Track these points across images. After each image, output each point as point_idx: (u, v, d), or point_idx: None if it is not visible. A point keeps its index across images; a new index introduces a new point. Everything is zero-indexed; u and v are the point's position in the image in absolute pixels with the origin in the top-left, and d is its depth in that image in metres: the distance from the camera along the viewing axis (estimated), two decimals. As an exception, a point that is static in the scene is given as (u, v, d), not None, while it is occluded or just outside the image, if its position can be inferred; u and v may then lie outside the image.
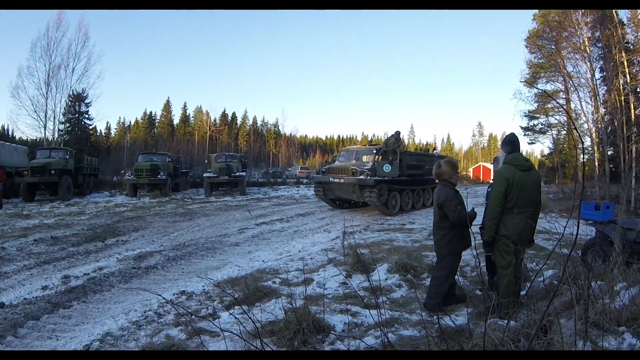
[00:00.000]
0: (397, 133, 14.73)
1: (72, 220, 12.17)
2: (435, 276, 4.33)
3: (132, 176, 20.74)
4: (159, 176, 20.51)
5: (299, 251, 7.98)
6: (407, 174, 14.76)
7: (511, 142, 4.14)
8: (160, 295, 4.06)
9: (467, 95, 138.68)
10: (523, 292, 3.96)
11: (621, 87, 16.86)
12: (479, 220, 4.30)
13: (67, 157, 20.17)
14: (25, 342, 4.10)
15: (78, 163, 21.10)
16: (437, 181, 4.51)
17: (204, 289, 5.53)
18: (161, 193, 20.56)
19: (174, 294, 5.33)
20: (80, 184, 21.06)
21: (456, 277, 4.65)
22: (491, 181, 4.79)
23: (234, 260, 7.36)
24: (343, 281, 5.41)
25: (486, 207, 4.35)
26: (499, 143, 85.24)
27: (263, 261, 7.19)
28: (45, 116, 29.24)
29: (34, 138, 30.73)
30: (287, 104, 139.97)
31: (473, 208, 4.31)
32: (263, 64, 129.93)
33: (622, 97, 16.58)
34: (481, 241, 4.07)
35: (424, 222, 11.47)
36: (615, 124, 17.38)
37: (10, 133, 51.66)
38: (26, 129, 30.79)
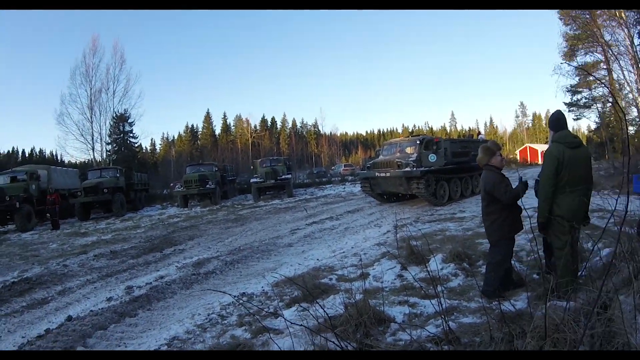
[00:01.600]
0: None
1: (129, 234, 12.82)
2: (490, 262, 4.33)
3: (182, 188, 21.53)
4: (207, 186, 21.20)
5: (352, 247, 8.05)
6: (454, 162, 14.53)
7: (557, 119, 4.06)
8: (226, 294, 4.28)
9: (507, 75, 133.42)
10: (580, 272, 3.92)
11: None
12: (532, 202, 4.24)
13: (118, 175, 21.34)
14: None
15: (128, 180, 22.23)
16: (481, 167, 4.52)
17: (263, 290, 5.71)
18: (211, 202, 21.29)
19: (234, 296, 5.52)
20: (132, 200, 22.20)
21: (512, 261, 4.62)
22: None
23: (289, 261, 7.55)
24: (399, 273, 5.50)
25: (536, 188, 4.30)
26: (544, 122, 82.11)
27: (318, 259, 7.33)
28: (92, 139, 31.25)
29: (83, 160, 32.51)
30: (325, 103, 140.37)
31: (521, 177, 4.25)
32: (297, 67, 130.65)
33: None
34: (535, 224, 4.04)
35: (474, 210, 11.29)
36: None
37: (59, 158, 54.61)
38: (75, 152, 33.05)
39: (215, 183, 21.89)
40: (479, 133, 27.06)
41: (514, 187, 4.20)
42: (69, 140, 31.30)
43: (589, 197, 3.92)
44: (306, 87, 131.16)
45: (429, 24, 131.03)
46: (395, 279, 5.36)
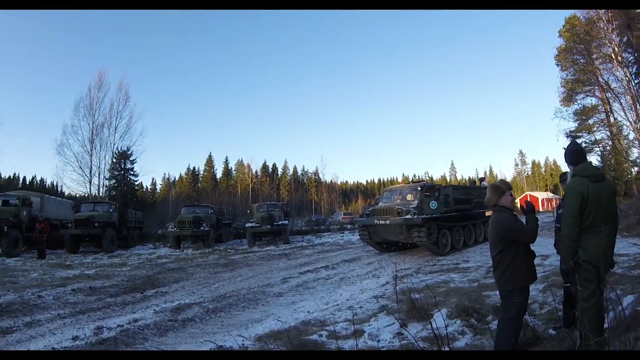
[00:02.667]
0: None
1: (113, 272, 12.40)
2: (503, 318, 3.72)
3: (175, 228, 21.01)
4: (201, 228, 20.67)
5: (347, 300, 7.47)
6: (456, 209, 14.05)
7: (575, 151, 3.63)
8: (198, 349, 3.69)
9: (506, 123, 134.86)
10: (605, 325, 3.32)
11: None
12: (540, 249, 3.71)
13: (111, 210, 21.08)
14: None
15: (122, 216, 22.00)
16: (488, 211, 4.03)
17: (243, 344, 5.07)
18: (204, 244, 20.67)
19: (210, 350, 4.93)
20: (124, 237, 21.84)
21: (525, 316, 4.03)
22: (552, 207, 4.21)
23: (276, 312, 6.95)
24: (398, 331, 4.85)
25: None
26: (543, 170, 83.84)
27: (308, 312, 6.72)
28: (90, 172, 31.09)
29: (81, 194, 32.20)
30: (326, 151, 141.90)
31: (530, 204, 3.74)
32: (302, 114, 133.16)
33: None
34: (547, 272, 3.48)
35: (478, 260, 10.68)
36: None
37: (59, 189, 54.28)
38: (72, 184, 32.13)
39: (209, 225, 21.34)
40: (482, 179, 26.57)
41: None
42: (66, 172, 30.87)
43: (615, 237, 3.40)
44: (309, 136, 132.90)
45: (430, 77, 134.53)
46: (393, 338, 4.71)
